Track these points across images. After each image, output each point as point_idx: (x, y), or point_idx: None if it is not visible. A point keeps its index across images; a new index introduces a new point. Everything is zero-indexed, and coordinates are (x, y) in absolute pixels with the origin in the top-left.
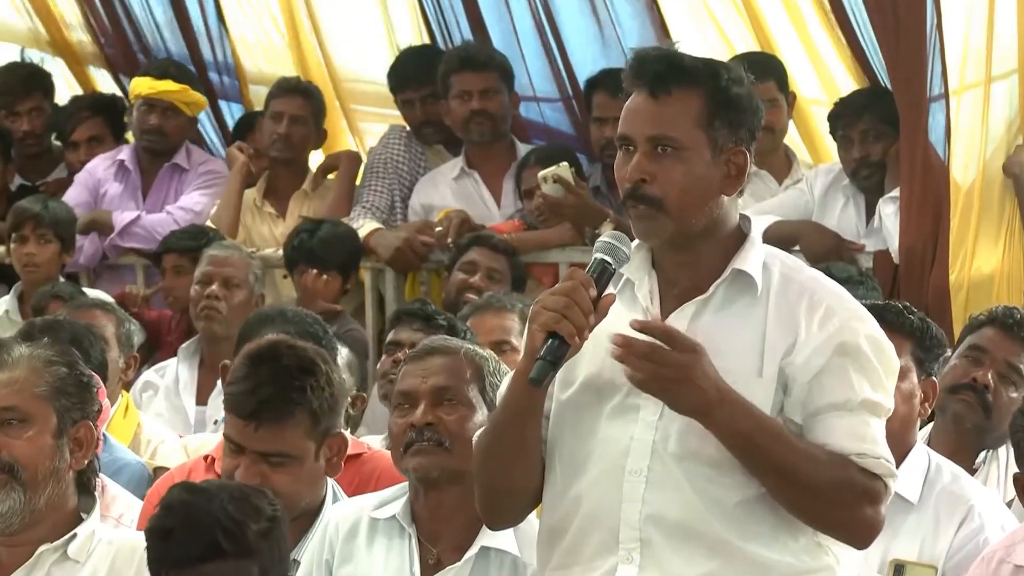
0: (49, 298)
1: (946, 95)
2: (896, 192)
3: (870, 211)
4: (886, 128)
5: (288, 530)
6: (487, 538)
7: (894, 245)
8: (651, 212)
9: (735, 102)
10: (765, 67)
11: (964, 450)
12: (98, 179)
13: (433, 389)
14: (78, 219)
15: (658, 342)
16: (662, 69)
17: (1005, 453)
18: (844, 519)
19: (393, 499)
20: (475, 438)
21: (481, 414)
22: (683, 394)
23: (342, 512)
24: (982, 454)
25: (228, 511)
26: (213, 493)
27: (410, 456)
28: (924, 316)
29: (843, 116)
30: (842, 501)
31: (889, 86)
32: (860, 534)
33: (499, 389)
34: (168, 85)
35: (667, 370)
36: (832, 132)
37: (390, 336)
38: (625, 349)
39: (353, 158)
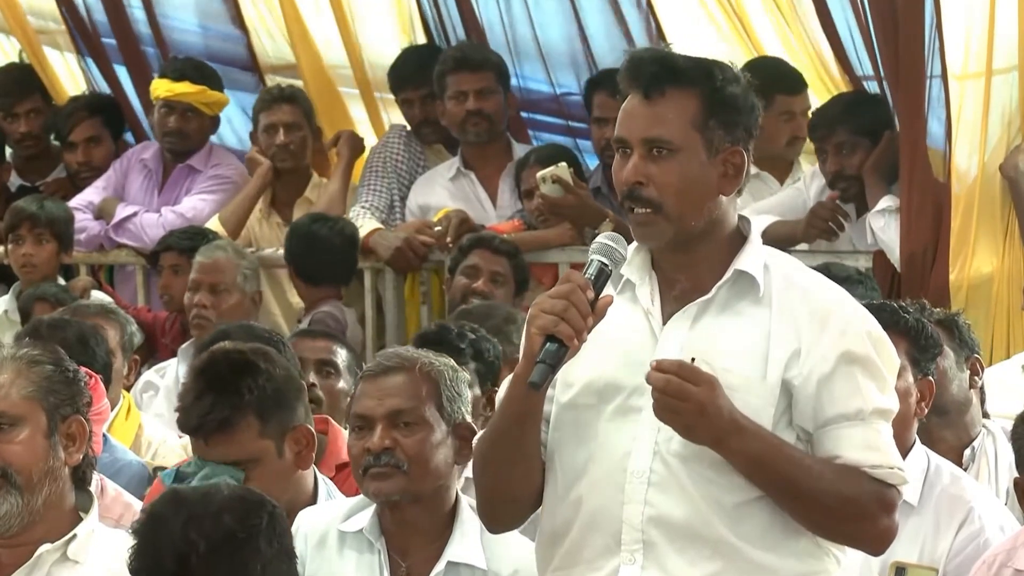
0: (33, 300)
1: (946, 97)
2: (883, 205)
3: (859, 212)
4: (862, 140)
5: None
6: (453, 552)
7: (895, 256)
8: (649, 216)
9: (730, 101)
10: (798, 80)
11: (939, 440)
12: (126, 169)
13: (389, 412)
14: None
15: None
16: (656, 70)
17: (992, 449)
18: (860, 531)
19: (360, 510)
20: (474, 443)
21: (439, 431)
22: (700, 426)
23: (311, 522)
24: (968, 451)
25: (183, 534)
26: (171, 517)
27: (369, 480)
28: (919, 316)
29: (818, 129)
30: (858, 515)
31: (876, 87)
32: (875, 543)
33: (460, 400)
34: (186, 87)
35: (684, 404)
36: (812, 141)
37: None
38: (650, 375)
39: (355, 140)
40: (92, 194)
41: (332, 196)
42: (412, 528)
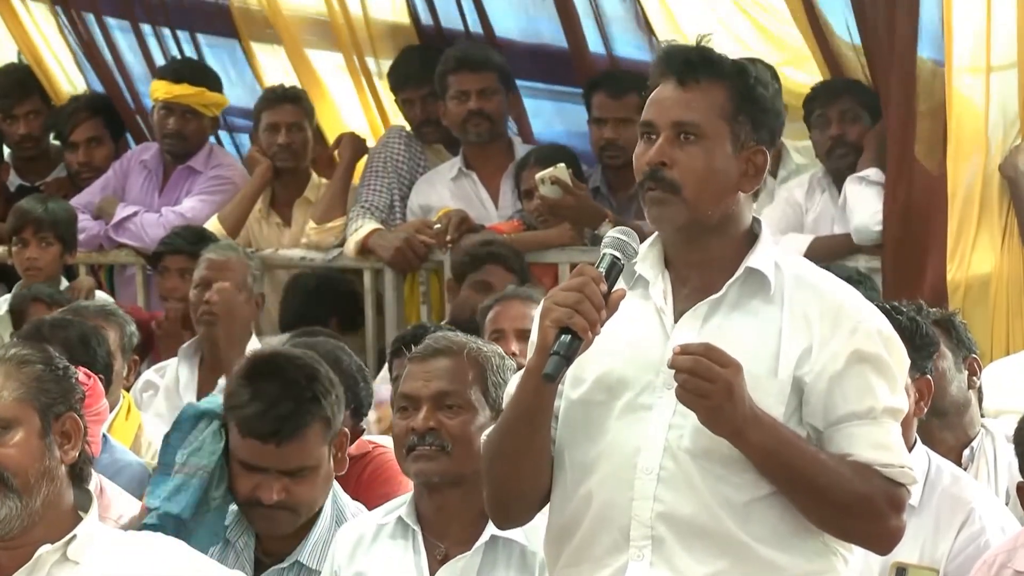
0: (28, 301)
1: (945, 94)
2: (864, 172)
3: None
4: (864, 113)
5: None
6: (496, 528)
7: (855, 223)
8: (667, 196)
9: (759, 101)
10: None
11: (938, 441)
12: (126, 170)
13: (435, 393)
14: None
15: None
16: (692, 58)
17: (991, 449)
18: (871, 530)
19: (397, 505)
20: (483, 438)
21: (483, 415)
22: (726, 408)
23: (348, 530)
24: (967, 452)
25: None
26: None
27: (412, 461)
28: (914, 316)
29: (820, 96)
30: (869, 513)
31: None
32: (884, 542)
33: (505, 387)
34: (184, 89)
35: (712, 385)
36: (807, 116)
37: (394, 371)
38: (676, 360)
39: (357, 142)
40: (92, 195)
41: (332, 197)
42: (451, 514)
